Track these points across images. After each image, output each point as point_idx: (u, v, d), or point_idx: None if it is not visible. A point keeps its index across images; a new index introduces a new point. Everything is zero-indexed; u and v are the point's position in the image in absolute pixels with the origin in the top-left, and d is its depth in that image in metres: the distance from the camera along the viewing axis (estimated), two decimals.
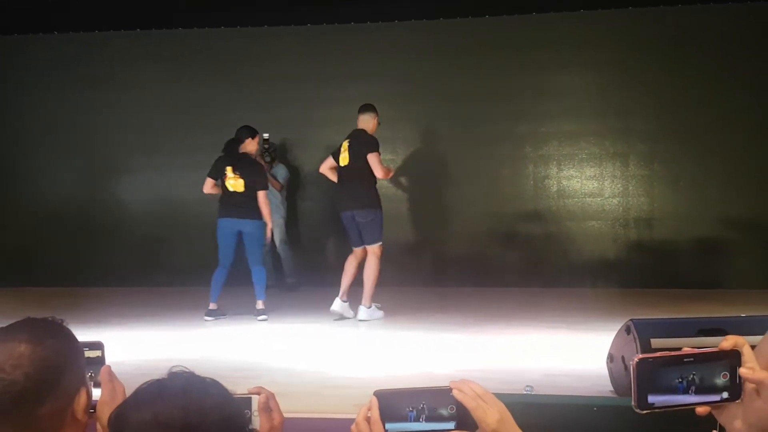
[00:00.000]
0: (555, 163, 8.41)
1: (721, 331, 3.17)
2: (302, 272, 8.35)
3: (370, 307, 6.42)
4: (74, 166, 9.03)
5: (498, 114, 8.36)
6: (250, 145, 6.64)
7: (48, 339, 1.35)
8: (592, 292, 7.95)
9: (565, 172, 8.39)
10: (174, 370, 1.14)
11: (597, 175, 8.35)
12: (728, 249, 8.00)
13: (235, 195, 6.51)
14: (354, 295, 6.48)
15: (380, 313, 6.47)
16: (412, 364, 4.59)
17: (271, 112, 8.31)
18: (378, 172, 6.35)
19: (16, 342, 1.32)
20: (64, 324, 1.43)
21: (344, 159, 6.45)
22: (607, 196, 8.34)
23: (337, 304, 6.44)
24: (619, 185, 8.31)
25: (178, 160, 8.78)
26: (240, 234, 6.57)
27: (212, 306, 6.49)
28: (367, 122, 6.54)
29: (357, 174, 6.38)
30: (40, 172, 9.04)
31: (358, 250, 6.52)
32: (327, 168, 6.64)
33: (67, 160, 9.02)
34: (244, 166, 6.54)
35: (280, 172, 8.28)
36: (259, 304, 6.52)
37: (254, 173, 6.57)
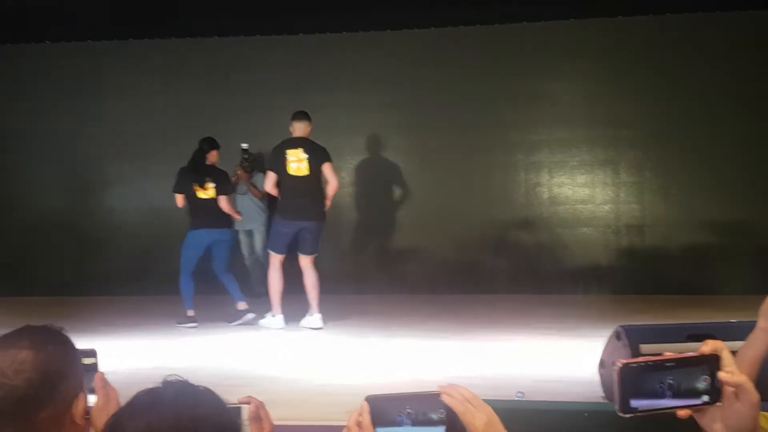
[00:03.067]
0: (546, 170, 8.45)
1: (709, 337, 3.17)
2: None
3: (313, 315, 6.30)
4: (63, 175, 8.99)
5: (490, 121, 8.39)
6: (214, 157, 6.76)
7: (49, 345, 1.39)
8: (584, 298, 7.97)
9: (556, 179, 8.43)
10: (168, 378, 1.15)
11: (588, 183, 8.40)
12: (718, 255, 8.04)
13: (209, 204, 6.58)
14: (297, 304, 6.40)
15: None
16: (402, 371, 4.59)
17: (259, 120, 8.31)
18: (336, 181, 6.35)
19: (18, 348, 1.37)
20: (63, 331, 1.47)
21: (304, 169, 6.26)
22: (598, 203, 8.38)
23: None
24: (610, 192, 8.36)
25: (166, 169, 8.70)
26: (212, 243, 6.62)
27: (191, 313, 6.52)
28: (306, 129, 6.40)
29: (318, 184, 6.34)
30: (28, 182, 9.00)
31: (307, 259, 6.39)
32: (273, 186, 6.38)
33: (55, 170, 8.97)
34: (216, 174, 6.67)
35: (260, 180, 8.27)
36: (242, 305, 6.55)
37: (224, 180, 6.76)
